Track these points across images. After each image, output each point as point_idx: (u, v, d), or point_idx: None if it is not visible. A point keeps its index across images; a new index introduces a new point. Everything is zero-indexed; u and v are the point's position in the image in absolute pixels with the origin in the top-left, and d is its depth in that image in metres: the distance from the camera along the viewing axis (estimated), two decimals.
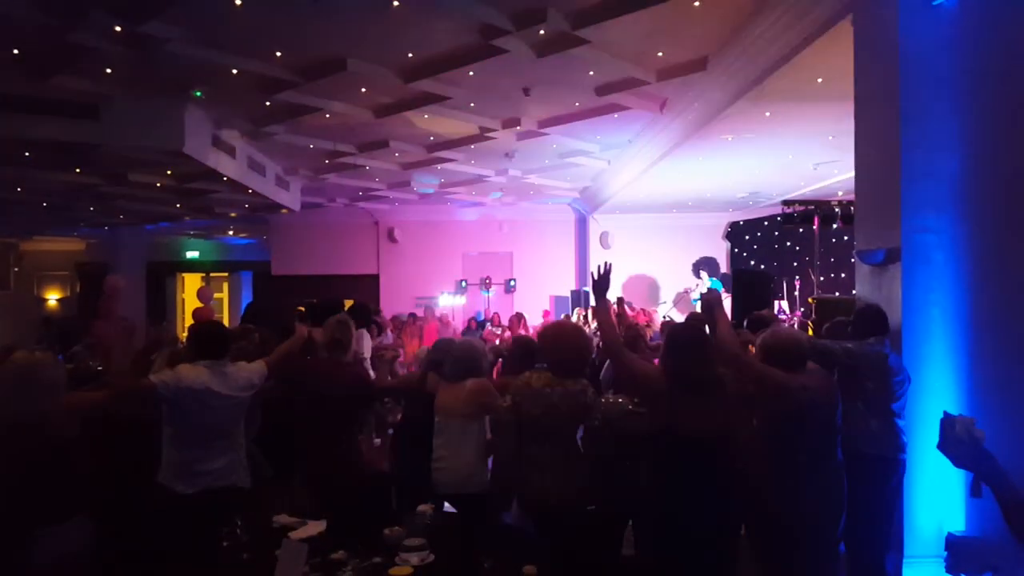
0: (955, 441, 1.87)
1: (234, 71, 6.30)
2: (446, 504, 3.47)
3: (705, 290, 2.93)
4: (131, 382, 3.12)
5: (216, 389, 3.12)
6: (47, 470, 2.76)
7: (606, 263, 3.15)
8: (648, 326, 7.40)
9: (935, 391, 3.75)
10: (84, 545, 2.86)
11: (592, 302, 3.09)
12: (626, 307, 7.78)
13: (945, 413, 1.95)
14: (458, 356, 3.65)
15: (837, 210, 9.01)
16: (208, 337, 3.30)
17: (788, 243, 12.24)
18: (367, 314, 6.38)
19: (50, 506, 2.77)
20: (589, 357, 3.30)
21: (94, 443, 3.05)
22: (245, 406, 3.30)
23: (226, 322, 16.32)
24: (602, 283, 3.08)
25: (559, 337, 3.25)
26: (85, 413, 3.01)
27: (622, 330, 6.66)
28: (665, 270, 14.19)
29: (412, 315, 11.70)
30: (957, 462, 1.89)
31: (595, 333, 7.63)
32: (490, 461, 3.52)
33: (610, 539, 3.28)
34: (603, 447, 3.19)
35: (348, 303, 6.69)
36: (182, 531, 2.97)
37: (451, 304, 13.87)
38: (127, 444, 3.28)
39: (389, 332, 9.45)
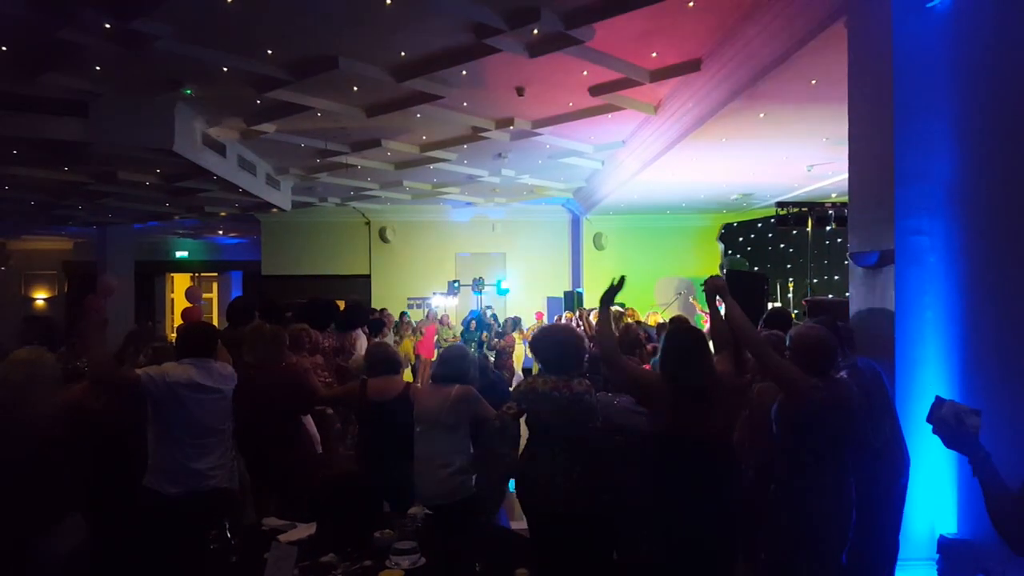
0: (939, 420, 1.94)
1: (224, 69, 6.25)
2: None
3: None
4: (113, 372, 3.05)
5: (202, 382, 3.13)
6: (37, 470, 2.73)
7: (622, 277, 3.16)
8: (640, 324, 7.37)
9: (928, 393, 3.73)
10: (80, 544, 2.82)
11: (595, 309, 3.10)
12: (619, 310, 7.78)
13: (937, 397, 2.03)
14: (446, 359, 3.63)
15: (831, 212, 9.02)
16: (195, 336, 3.33)
17: (782, 245, 12.28)
18: (362, 315, 6.32)
19: (42, 507, 2.74)
20: (584, 355, 3.34)
21: (80, 443, 3.01)
22: (229, 401, 3.29)
23: (215, 322, 16.22)
24: (610, 295, 3.09)
25: (555, 337, 3.26)
26: (69, 411, 2.96)
27: (619, 333, 6.64)
28: (658, 271, 14.20)
29: (403, 314, 11.65)
30: (946, 442, 1.94)
31: (586, 335, 7.62)
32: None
33: (611, 540, 3.25)
34: (602, 445, 3.16)
35: (340, 304, 6.62)
36: (170, 534, 2.92)
37: (443, 304, 13.81)
38: (112, 445, 3.23)
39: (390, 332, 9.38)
